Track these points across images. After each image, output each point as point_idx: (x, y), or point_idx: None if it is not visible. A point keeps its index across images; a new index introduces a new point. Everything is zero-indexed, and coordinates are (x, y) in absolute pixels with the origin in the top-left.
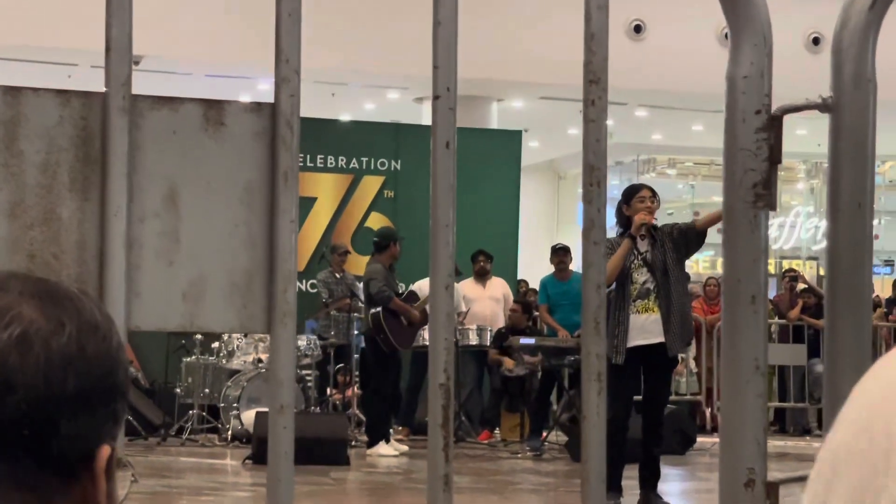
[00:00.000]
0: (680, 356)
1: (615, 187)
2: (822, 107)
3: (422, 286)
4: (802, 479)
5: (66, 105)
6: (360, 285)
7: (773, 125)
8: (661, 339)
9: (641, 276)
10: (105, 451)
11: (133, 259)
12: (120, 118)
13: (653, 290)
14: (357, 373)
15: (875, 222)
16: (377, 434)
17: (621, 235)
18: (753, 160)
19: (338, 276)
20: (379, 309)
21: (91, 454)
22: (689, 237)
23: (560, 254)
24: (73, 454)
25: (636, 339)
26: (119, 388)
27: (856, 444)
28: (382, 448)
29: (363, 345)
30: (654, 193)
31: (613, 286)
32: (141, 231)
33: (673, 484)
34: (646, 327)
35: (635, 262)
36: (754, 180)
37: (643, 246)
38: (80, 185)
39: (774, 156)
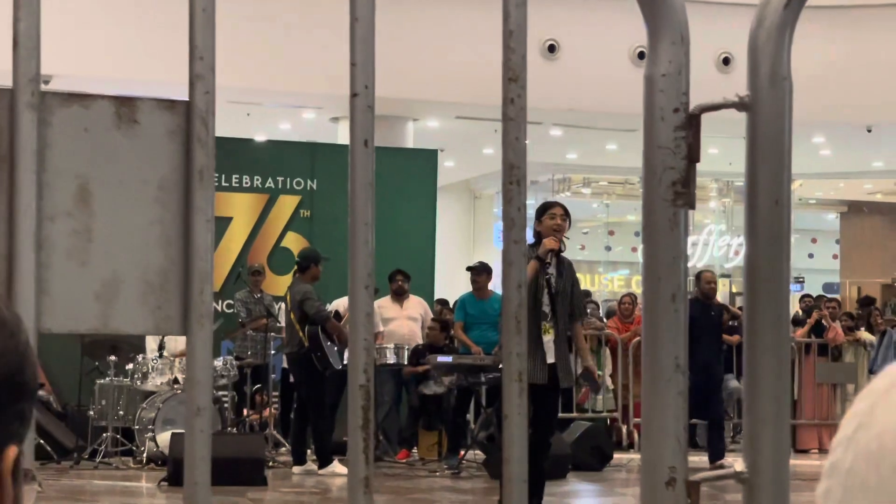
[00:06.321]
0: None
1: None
2: (739, 105)
3: (342, 305)
4: (721, 479)
5: None
6: (281, 305)
7: (692, 123)
8: (553, 360)
9: (543, 298)
10: (11, 451)
11: (43, 259)
12: (28, 114)
13: (549, 314)
14: (275, 393)
15: None
16: (327, 453)
17: (531, 247)
18: (672, 158)
19: (256, 295)
20: (317, 327)
21: None
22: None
23: (474, 273)
24: None
25: None
26: (27, 386)
27: (867, 478)
28: (338, 467)
29: (283, 364)
30: (566, 213)
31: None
32: (51, 230)
33: (590, 499)
34: (546, 347)
35: (541, 281)
36: (673, 178)
37: (551, 268)
38: None
39: (693, 154)
